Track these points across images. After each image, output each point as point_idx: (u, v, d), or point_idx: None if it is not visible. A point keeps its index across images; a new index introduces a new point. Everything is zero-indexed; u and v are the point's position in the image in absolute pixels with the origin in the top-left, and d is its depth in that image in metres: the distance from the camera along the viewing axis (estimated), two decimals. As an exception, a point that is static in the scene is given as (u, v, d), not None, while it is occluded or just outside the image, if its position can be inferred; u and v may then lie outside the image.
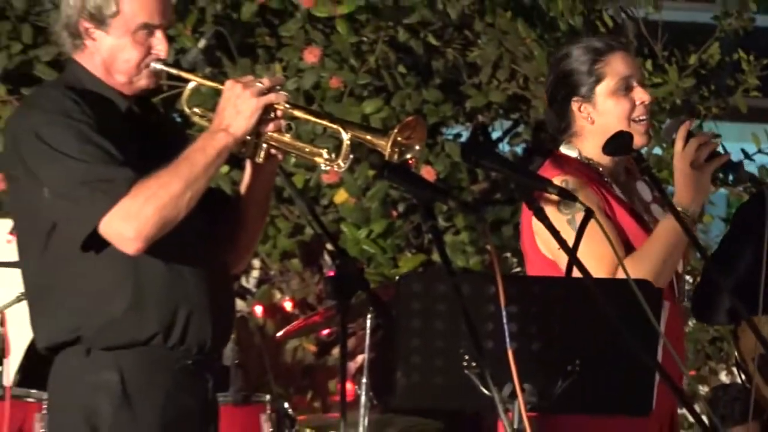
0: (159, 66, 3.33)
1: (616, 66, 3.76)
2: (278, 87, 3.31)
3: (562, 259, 3.53)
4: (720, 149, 3.72)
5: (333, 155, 3.24)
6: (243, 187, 3.48)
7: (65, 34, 3.38)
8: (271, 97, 3.23)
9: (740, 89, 6.08)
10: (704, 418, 4.23)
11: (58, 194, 3.23)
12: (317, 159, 3.32)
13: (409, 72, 5.95)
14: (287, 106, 3.27)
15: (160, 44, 3.31)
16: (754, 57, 6.07)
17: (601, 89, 3.71)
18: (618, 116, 3.73)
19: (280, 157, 3.41)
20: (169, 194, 3.20)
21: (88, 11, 3.31)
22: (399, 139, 3.21)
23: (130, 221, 3.17)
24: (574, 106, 3.66)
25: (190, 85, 3.39)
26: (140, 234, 3.16)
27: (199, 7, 5.75)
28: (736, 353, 4.87)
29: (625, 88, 3.74)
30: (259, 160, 3.33)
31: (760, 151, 6.14)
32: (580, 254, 3.39)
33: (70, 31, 3.36)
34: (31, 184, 3.27)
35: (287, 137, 3.31)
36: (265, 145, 3.32)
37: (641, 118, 3.72)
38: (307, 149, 3.39)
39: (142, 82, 3.32)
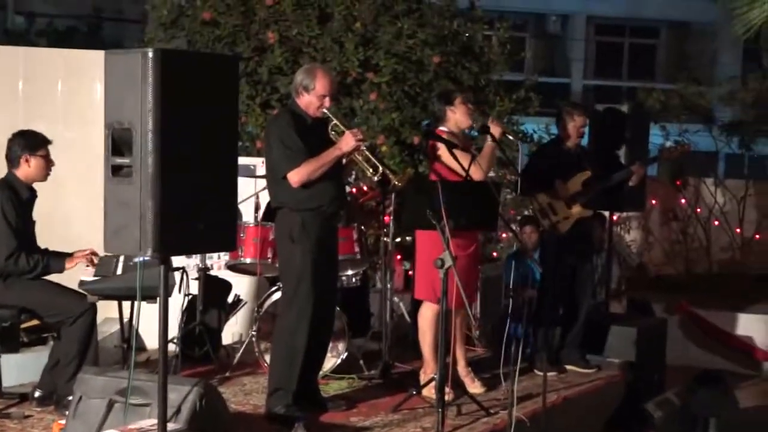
0: (325, 111, 5.16)
1: (457, 102, 5.86)
2: (364, 142, 5.10)
3: (448, 167, 5.56)
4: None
5: (373, 173, 5.24)
6: (343, 165, 5.23)
7: (293, 91, 5.22)
8: (359, 144, 5.06)
9: (532, 106, 9.56)
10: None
11: (276, 158, 5.11)
12: (367, 171, 5.26)
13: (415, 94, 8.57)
14: (364, 149, 5.14)
15: (327, 102, 5.13)
16: (540, 95, 9.45)
17: (453, 109, 5.86)
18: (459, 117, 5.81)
19: (355, 162, 5.28)
20: (312, 169, 5.00)
21: (302, 85, 5.15)
22: (399, 179, 5.31)
23: (296, 176, 5.02)
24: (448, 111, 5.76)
25: (332, 123, 5.19)
26: (298, 181, 4.99)
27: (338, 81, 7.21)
28: (532, 207, 7.08)
29: (457, 108, 5.82)
30: (345, 160, 5.20)
31: (538, 131, 10.06)
32: (448, 161, 5.54)
33: (296, 90, 5.18)
34: (269, 151, 5.13)
35: (360, 158, 5.21)
36: (350, 157, 5.17)
37: (465, 125, 5.88)
38: (365, 166, 5.25)
39: (318, 114, 5.13)
